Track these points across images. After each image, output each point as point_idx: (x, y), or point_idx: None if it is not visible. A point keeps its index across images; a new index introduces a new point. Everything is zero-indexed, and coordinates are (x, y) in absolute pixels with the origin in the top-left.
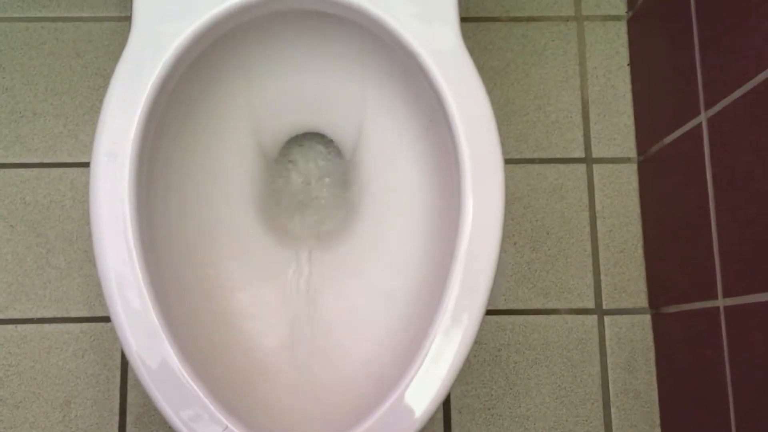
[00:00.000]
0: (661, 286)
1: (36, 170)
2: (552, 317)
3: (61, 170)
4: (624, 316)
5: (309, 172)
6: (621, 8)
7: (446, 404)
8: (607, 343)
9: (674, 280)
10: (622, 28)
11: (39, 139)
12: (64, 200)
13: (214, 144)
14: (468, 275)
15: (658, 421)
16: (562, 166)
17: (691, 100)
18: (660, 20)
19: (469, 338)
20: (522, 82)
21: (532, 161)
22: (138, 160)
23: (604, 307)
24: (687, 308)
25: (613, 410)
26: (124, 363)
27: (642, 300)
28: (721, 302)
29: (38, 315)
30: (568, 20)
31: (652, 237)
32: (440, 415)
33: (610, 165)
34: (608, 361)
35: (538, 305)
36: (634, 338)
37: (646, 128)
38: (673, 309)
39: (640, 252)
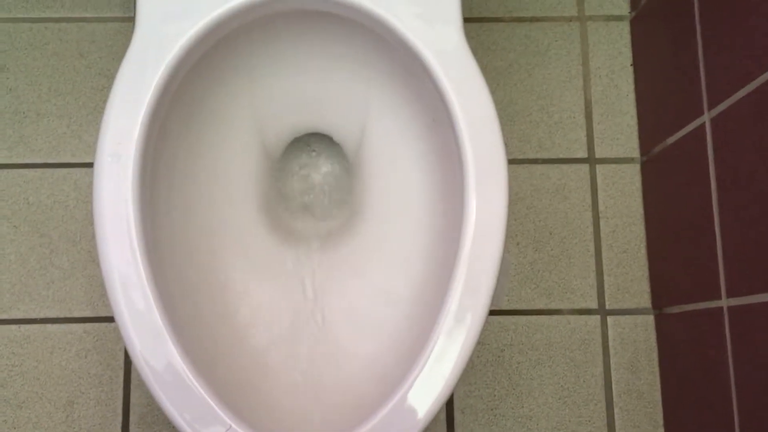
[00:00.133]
0: (665, 287)
1: (39, 170)
2: (555, 317)
3: (64, 171)
4: (627, 316)
5: (312, 172)
6: (624, 8)
7: (449, 404)
8: (610, 343)
9: (677, 281)
10: (625, 28)
11: (42, 140)
12: (67, 200)
13: (218, 144)
14: (471, 275)
15: (661, 422)
16: (565, 167)
17: (694, 101)
18: (663, 20)
19: (472, 338)
20: (525, 83)
21: (535, 161)
22: (142, 161)
23: (607, 307)
24: (690, 308)
25: (616, 410)
26: (127, 363)
27: (645, 300)
28: (724, 302)
29: (41, 315)
30: (571, 20)
31: (655, 237)
32: (443, 416)
33: (613, 165)
34: (611, 361)
35: (541, 305)
36: (637, 338)
37: (649, 128)
38: (676, 309)
39: (643, 252)
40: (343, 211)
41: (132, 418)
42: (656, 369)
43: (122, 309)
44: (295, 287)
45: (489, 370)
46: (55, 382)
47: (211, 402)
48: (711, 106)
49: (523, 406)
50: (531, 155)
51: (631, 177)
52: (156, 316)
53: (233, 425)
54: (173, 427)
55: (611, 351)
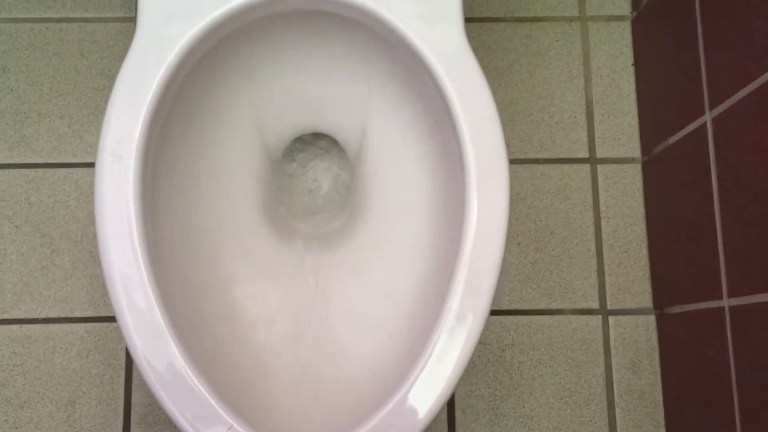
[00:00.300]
0: (666, 287)
1: (41, 171)
2: (556, 317)
3: (65, 171)
4: (628, 316)
5: (313, 172)
6: (625, 8)
7: (450, 404)
8: (612, 343)
9: (679, 281)
10: (626, 28)
11: (44, 140)
12: (68, 200)
13: (218, 144)
14: (472, 275)
15: (662, 422)
16: (566, 167)
17: (695, 100)
18: (664, 20)
19: (473, 338)
20: (526, 83)
21: (536, 161)
22: (143, 161)
23: (609, 307)
24: (691, 308)
25: (617, 411)
26: (129, 363)
27: (646, 300)
28: (725, 302)
29: (43, 315)
30: (572, 20)
31: (657, 237)
32: (444, 415)
33: (615, 165)
34: (612, 361)
35: (542, 305)
36: (638, 338)
37: (651, 128)
38: (677, 309)
39: (644, 252)
40: (344, 211)
41: (133, 417)
42: (657, 369)
43: (124, 309)
44: (295, 287)
45: (490, 370)
46: (57, 381)
47: (212, 401)
48: (712, 106)
49: (524, 406)
50: (532, 155)
51: (633, 177)
52: (157, 316)
53: (234, 424)
54: (174, 426)
55: (612, 351)
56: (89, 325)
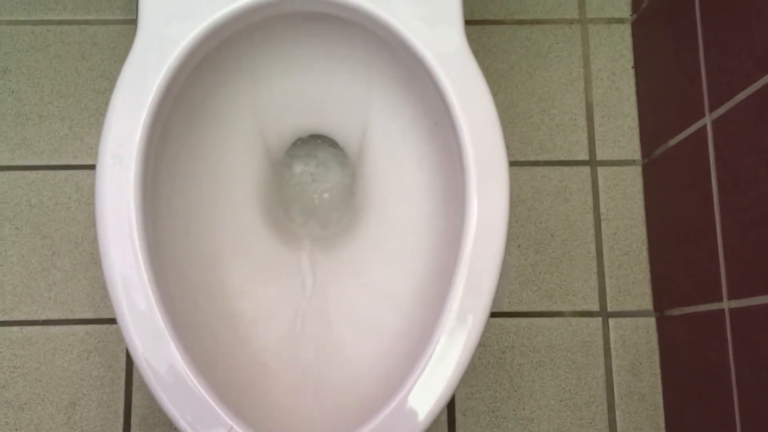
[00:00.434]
0: (666, 289)
1: (41, 172)
2: (556, 320)
3: (66, 172)
4: (628, 318)
5: (314, 173)
6: (625, 11)
7: (450, 406)
8: (612, 345)
9: (679, 283)
10: (626, 30)
11: (44, 142)
12: (69, 202)
13: (220, 146)
14: (472, 277)
15: (662, 424)
16: (566, 169)
17: (695, 103)
18: (664, 23)
19: (473, 340)
20: (526, 85)
21: (536, 163)
22: (143, 163)
23: (609, 309)
24: (692, 311)
25: (617, 413)
26: (129, 365)
27: (647, 302)
28: (725, 305)
29: (43, 317)
30: (572, 23)
31: (657, 239)
32: (444, 417)
33: (615, 167)
34: (613, 363)
35: (542, 308)
36: (638, 341)
37: (651, 131)
38: (677, 311)
39: (644, 254)
40: (345, 212)
41: (133, 419)
42: (658, 371)
43: (124, 310)
44: (296, 288)
45: (490, 372)
46: (57, 383)
47: (213, 403)
48: (712, 109)
49: (524, 408)
50: (532, 157)
51: (633, 179)
52: (158, 318)
53: (234, 426)
54: (175, 428)
55: (613, 353)
56: (90, 327)
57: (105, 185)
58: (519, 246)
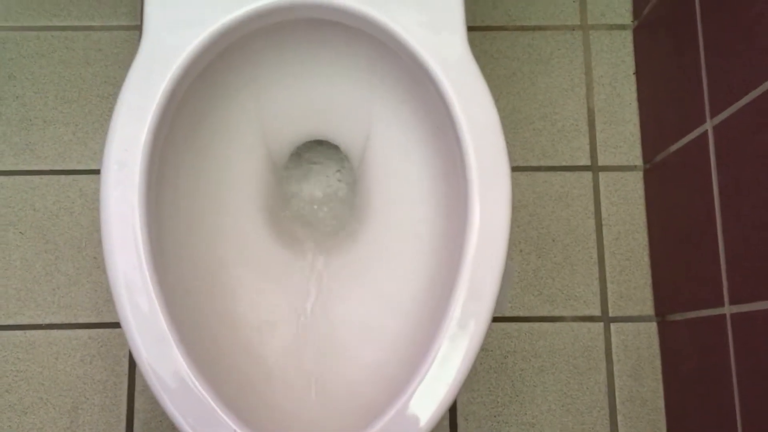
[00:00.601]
0: (667, 294)
1: (46, 177)
2: (558, 324)
3: (70, 177)
4: (630, 323)
5: (317, 178)
6: (626, 17)
7: (452, 411)
8: (614, 350)
9: (680, 288)
10: (627, 37)
11: (49, 147)
12: (73, 207)
13: (223, 151)
14: (474, 282)
15: (664, 429)
16: (568, 174)
17: (696, 109)
18: (665, 29)
19: (475, 345)
20: (528, 91)
21: (538, 169)
22: (148, 168)
23: (610, 314)
24: (693, 316)
25: (619, 418)
26: (132, 369)
27: (648, 308)
28: (727, 310)
29: (46, 321)
30: (574, 29)
31: (658, 245)
32: (446, 422)
33: (616, 173)
34: (614, 368)
35: (544, 312)
36: (640, 346)
37: (652, 136)
38: (679, 316)
39: (646, 259)
40: (348, 217)
41: (136, 424)
42: (659, 376)
43: (128, 314)
44: (299, 293)
45: (492, 377)
46: (60, 387)
47: (216, 406)
48: (713, 114)
49: (526, 413)
50: (534, 163)
51: (634, 184)
52: (161, 322)
53: (237, 429)
54: None
55: (614, 358)
56: (92, 332)
57: (110, 190)
58: (521, 251)
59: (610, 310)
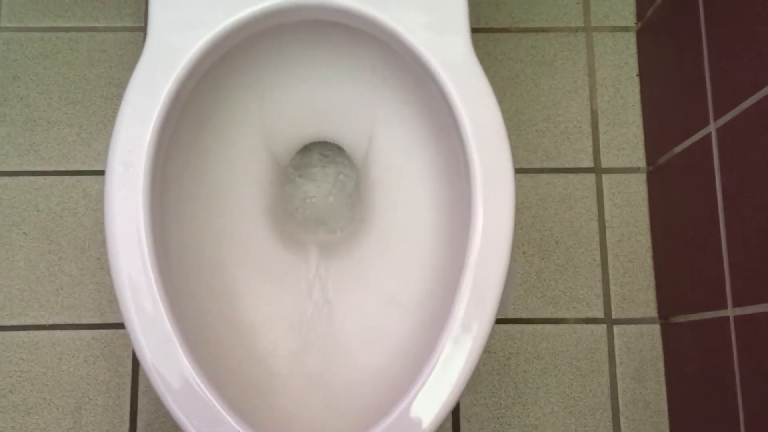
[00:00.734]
0: (671, 296)
1: (50, 178)
2: (561, 326)
3: (74, 178)
4: (633, 325)
5: (320, 180)
6: (630, 19)
7: (455, 413)
8: (617, 352)
9: (683, 290)
10: (631, 39)
11: (53, 148)
12: (77, 208)
13: (227, 152)
14: (478, 283)
15: (667, 431)
16: (571, 176)
17: (700, 111)
18: (669, 31)
19: (478, 346)
20: (531, 92)
21: (541, 171)
22: (152, 169)
23: (613, 316)
24: (696, 318)
25: (622, 420)
26: (135, 370)
27: (651, 310)
28: (730, 312)
29: (50, 321)
30: (577, 31)
31: (662, 247)
32: (449, 424)
33: (620, 175)
34: (617, 370)
35: (547, 314)
36: (643, 348)
37: (656, 138)
38: (682, 319)
39: (649, 261)
40: (350, 218)
41: (139, 424)
42: (662, 378)
43: (132, 315)
44: (302, 295)
45: (495, 379)
46: (63, 388)
47: (220, 408)
48: (717, 116)
49: (529, 415)
50: (537, 164)
51: (637, 186)
52: (165, 323)
53: (241, 430)
54: None
55: (617, 360)
56: (96, 332)
57: (114, 191)
58: (524, 253)
59: (613, 312)
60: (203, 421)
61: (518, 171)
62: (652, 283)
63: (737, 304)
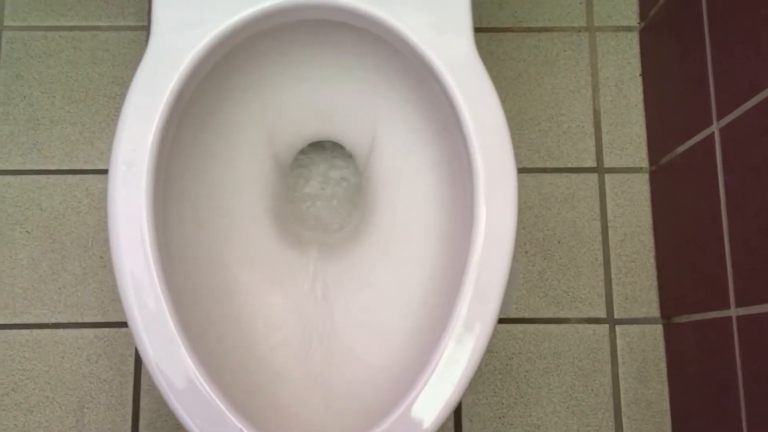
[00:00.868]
0: (673, 296)
1: (52, 177)
2: (563, 326)
3: (77, 177)
4: (635, 325)
5: (322, 179)
6: (633, 19)
7: (457, 412)
8: (619, 352)
9: (686, 290)
10: (634, 38)
11: (56, 146)
12: (79, 207)
13: (229, 152)
14: (480, 283)
15: (669, 431)
16: (573, 176)
17: (703, 110)
18: (672, 31)
19: (481, 346)
20: (534, 92)
21: (544, 170)
22: (155, 169)
23: (616, 316)
24: (699, 318)
25: (624, 420)
26: (137, 368)
27: (654, 310)
28: (733, 312)
29: (53, 320)
30: (580, 31)
31: (664, 246)
32: (451, 423)
33: (622, 174)
34: (620, 370)
35: (549, 314)
36: (645, 348)
37: (658, 138)
38: (685, 319)
39: (651, 261)
40: (353, 218)
41: (141, 423)
42: (665, 378)
43: (135, 314)
44: (304, 294)
45: (497, 379)
46: (66, 386)
47: (222, 406)
48: (720, 116)
49: (531, 415)
50: (540, 164)
51: (640, 186)
52: (168, 321)
53: (244, 429)
54: (183, 431)
55: (620, 360)
56: (98, 331)
57: (117, 190)
58: (526, 252)
59: (616, 312)
60: (206, 420)
61: (521, 171)
62: (655, 283)
63: (740, 304)
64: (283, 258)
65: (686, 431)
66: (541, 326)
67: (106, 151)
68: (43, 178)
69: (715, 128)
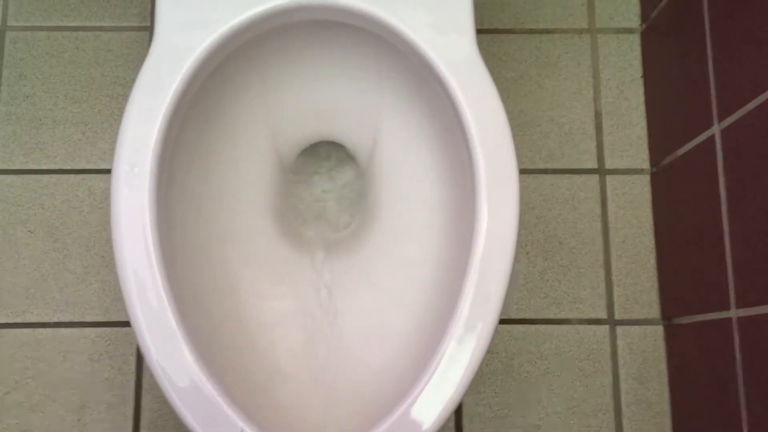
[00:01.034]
0: (674, 297)
1: (55, 176)
2: (564, 327)
3: (79, 177)
4: (636, 326)
5: (324, 179)
6: (634, 21)
7: (458, 412)
8: (619, 353)
9: (687, 291)
10: (635, 40)
11: (58, 146)
12: (82, 206)
13: (232, 152)
14: (482, 284)
15: None
16: (575, 177)
17: (704, 112)
18: (673, 33)
19: (482, 347)
20: (536, 94)
21: (545, 172)
22: (158, 169)
23: (617, 317)
24: (700, 319)
25: (624, 421)
26: (139, 367)
27: (654, 311)
28: (734, 313)
29: (54, 319)
30: (581, 33)
31: (665, 248)
32: (452, 424)
33: (623, 176)
34: (620, 371)
35: (550, 315)
36: (646, 349)
37: (659, 140)
38: (685, 320)
39: (652, 263)
40: (355, 218)
41: (143, 422)
42: (665, 379)
43: (138, 313)
44: (306, 294)
45: (498, 379)
46: (67, 386)
47: (224, 404)
48: (721, 118)
49: (531, 415)
50: (541, 165)
51: (641, 188)
52: (171, 320)
53: (245, 428)
54: (185, 429)
55: (620, 361)
56: (100, 330)
57: (120, 189)
58: (527, 253)
59: (616, 313)
60: (207, 418)
61: (522, 172)
62: (656, 284)
63: (740, 305)
64: (286, 257)
65: None
66: (542, 327)
67: (109, 151)
68: (45, 177)
69: (716, 130)
